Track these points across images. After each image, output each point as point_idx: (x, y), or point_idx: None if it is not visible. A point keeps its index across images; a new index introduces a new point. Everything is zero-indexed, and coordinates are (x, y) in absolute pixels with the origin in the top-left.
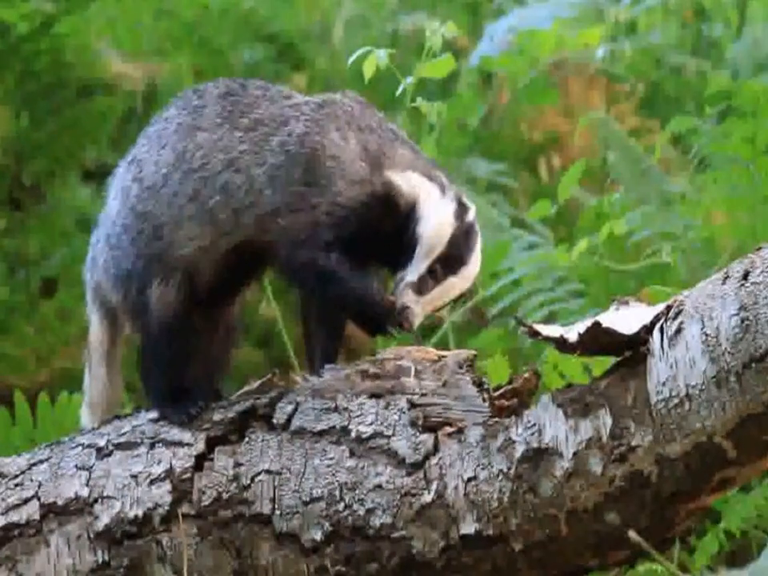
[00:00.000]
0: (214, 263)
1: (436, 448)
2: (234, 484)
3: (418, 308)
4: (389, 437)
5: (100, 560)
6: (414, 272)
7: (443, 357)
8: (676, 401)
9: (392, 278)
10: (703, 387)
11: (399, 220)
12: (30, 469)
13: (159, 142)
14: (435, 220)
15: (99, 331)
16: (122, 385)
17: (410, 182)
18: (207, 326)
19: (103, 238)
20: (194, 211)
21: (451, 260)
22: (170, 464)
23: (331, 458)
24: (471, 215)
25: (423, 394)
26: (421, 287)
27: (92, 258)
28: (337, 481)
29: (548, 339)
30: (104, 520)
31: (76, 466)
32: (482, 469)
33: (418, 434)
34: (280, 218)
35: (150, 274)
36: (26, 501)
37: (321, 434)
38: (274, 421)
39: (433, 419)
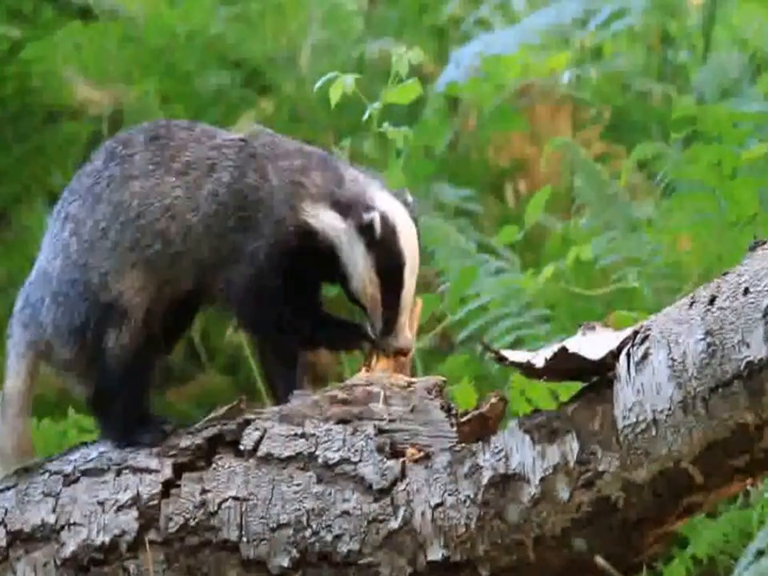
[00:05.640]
0: (163, 306)
1: (403, 474)
2: (201, 510)
3: (405, 335)
4: (356, 463)
5: None
6: (377, 324)
7: (412, 383)
8: (643, 426)
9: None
10: (670, 412)
11: (327, 251)
12: None
13: (93, 198)
14: (357, 278)
15: (23, 383)
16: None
17: (318, 218)
18: (160, 353)
19: (49, 295)
20: (135, 260)
21: (391, 279)
22: (137, 491)
23: (298, 485)
24: (377, 223)
25: (391, 420)
26: (390, 327)
27: (30, 315)
28: (304, 507)
29: (515, 365)
30: (71, 547)
31: (42, 492)
32: (449, 495)
33: (385, 460)
34: (222, 270)
35: (105, 323)
36: None
37: (288, 460)
38: (241, 447)
39: (400, 445)
